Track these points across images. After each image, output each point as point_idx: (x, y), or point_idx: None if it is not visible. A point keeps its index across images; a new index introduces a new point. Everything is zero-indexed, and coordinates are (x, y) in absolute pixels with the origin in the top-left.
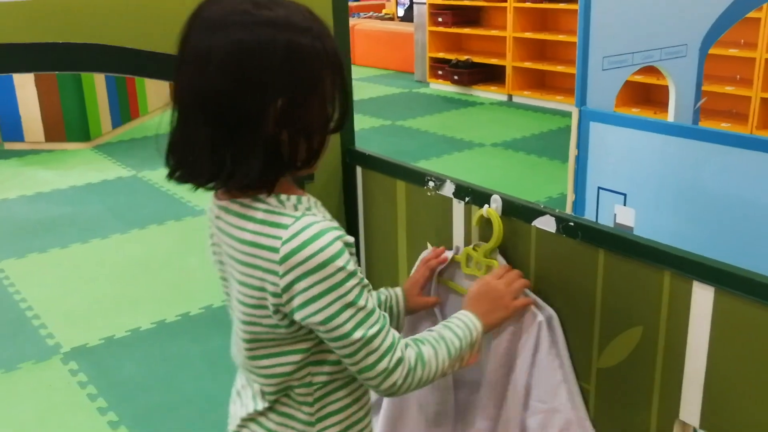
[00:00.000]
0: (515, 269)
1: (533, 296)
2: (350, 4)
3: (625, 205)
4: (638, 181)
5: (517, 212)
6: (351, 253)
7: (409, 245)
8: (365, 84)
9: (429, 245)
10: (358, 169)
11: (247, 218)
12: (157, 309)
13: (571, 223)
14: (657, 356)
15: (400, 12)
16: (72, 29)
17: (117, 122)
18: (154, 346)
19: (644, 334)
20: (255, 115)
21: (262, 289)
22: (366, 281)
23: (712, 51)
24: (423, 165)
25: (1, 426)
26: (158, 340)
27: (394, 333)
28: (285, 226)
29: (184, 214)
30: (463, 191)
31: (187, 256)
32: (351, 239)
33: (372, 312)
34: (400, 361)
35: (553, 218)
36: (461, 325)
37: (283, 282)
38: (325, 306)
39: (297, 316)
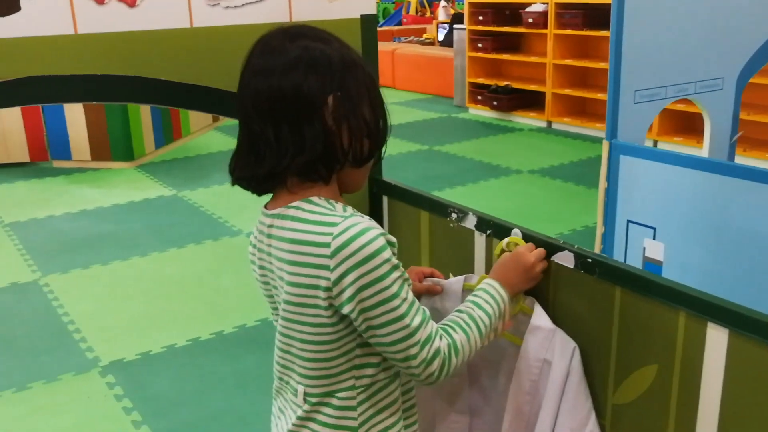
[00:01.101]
0: (542, 248)
1: (560, 331)
2: (392, 28)
3: (654, 239)
4: (668, 216)
5: (539, 246)
6: (394, 252)
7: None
8: (404, 108)
9: (451, 275)
10: (384, 199)
11: (300, 220)
12: (192, 327)
13: (589, 260)
14: (671, 395)
15: (441, 37)
16: (113, 63)
17: (160, 143)
18: (188, 363)
19: (659, 373)
20: (312, 109)
21: (314, 287)
22: (407, 276)
23: (753, 80)
24: (458, 191)
25: None
26: (192, 357)
27: (432, 324)
28: (335, 224)
29: (221, 234)
30: (484, 224)
31: (223, 276)
32: (393, 239)
33: (413, 303)
34: (437, 352)
35: (572, 254)
36: (489, 299)
37: (334, 275)
38: (372, 295)
39: (346, 309)
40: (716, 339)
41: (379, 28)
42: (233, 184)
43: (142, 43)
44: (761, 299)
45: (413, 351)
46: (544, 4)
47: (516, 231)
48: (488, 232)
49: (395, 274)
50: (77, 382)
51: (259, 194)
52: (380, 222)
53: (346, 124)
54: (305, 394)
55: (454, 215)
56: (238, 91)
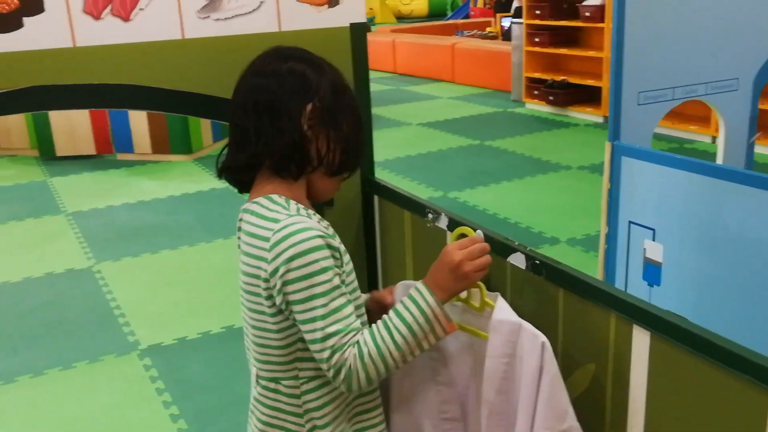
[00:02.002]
0: (483, 243)
1: (527, 325)
2: (457, 21)
3: (654, 240)
4: (666, 217)
5: (496, 248)
6: (334, 256)
7: (415, 273)
8: (460, 103)
9: None
10: (375, 199)
11: (256, 215)
12: (228, 315)
13: (537, 261)
14: (606, 393)
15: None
16: (110, 73)
17: (217, 137)
18: (221, 350)
19: (596, 371)
20: (291, 111)
21: (256, 277)
22: (343, 286)
23: None
24: (503, 186)
25: (79, 409)
26: (225, 344)
27: (351, 335)
28: (278, 221)
29: None
30: (454, 224)
31: None
32: (336, 244)
33: (336, 310)
34: (344, 362)
35: (524, 255)
36: (410, 305)
37: (270, 267)
38: (295, 291)
39: (278, 300)
40: (641, 341)
41: (444, 21)
42: (218, 176)
43: (136, 54)
44: (757, 302)
45: (324, 355)
46: None
47: (479, 232)
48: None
49: (323, 277)
50: (117, 363)
51: (240, 190)
52: (371, 221)
53: (324, 134)
54: (257, 376)
55: (430, 215)
56: (231, 98)
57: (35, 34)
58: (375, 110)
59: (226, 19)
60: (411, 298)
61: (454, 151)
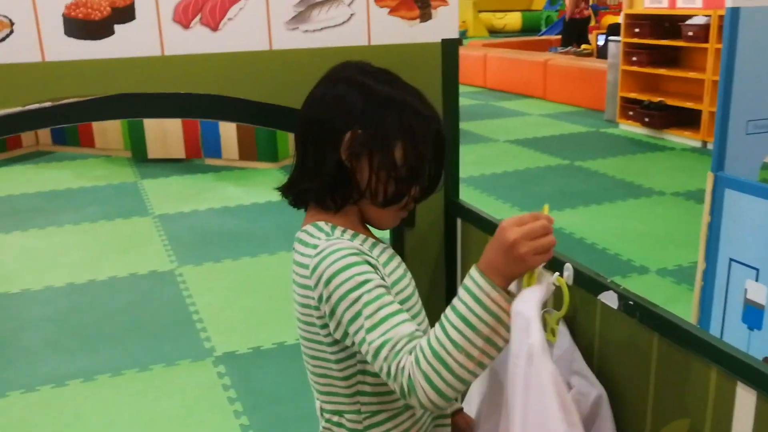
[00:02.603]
0: (545, 220)
1: (587, 371)
2: (551, 37)
3: (757, 280)
4: None
5: (586, 283)
6: (369, 271)
7: None
8: (551, 121)
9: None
10: (458, 221)
11: (302, 242)
12: None
13: (631, 302)
14: None
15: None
16: (197, 82)
17: None
18: (294, 361)
19: (692, 428)
20: (329, 140)
21: (308, 306)
22: (387, 297)
23: None
24: (592, 209)
25: (153, 412)
26: (298, 356)
27: (402, 344)
28: (316, 247)
29: None
30: None
31: None
32: (373, 261)
33: (383, 321)
34: (402, 371)
35: (616, 294)
36: (463, 295)
37: (315, 294)
38: (342, 311)
39: (332, 327)
40: (746, 400)
41: (538, 37)
42: (282, 196)
43: (223, 64)
44: None
45: (384, 370)
46: (706, 16)
47: (568, 265)
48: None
49: (364, 289)
50: (192, 368)
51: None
52: (453, 244)
53: (367, 163)
54: (321, 409)
55: None
56: None
57: (126, 42)
58: (462, 125)
59: (314, 31)
60: (464, 287)
61: (542, 170)
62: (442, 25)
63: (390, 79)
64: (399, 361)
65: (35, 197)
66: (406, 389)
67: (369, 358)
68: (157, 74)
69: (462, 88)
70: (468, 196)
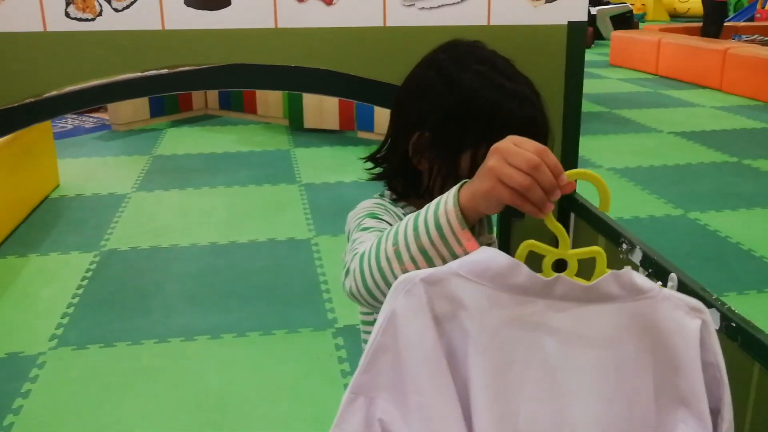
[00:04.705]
0: (545, 153)
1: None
2: (737, 24)
3: None
4: None
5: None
6: (377, 215)
7: None
8: (724, 113)
9: None
10: (572, 216)
11: None
12: None
13: (734, 324)
14: None
15: None
16: (308, 56)
17: None
18: None
19: None
20: (402, 134)
21: None
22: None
23: None
24: (756, 213)
25: (266, 375)
26: None
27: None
28: None
29: None
30: (648, 261)
31: None
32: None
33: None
34: (354, 255)
35: (719, 314)
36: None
37: None
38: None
39: None
40: None
41: (725, 23)
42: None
43: (336, 39)
44: None
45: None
46: None
47: (673, 276)
48: (650, 270)
49: (362, 214)
50: (312, 337)
51: None
52: None
53: (430, 165)
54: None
55: (624, 245)
56: None
57: (241, 13)
58: (625, 113)
59: (431, 8)
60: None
61: (705, 166)
62: (569, 7)
63: (491, 68)
64: (356, 249)
65: (196, 158)
66: (345, 269)
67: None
68: (270, 46)
69: (630, 74)
70: (620, 188)
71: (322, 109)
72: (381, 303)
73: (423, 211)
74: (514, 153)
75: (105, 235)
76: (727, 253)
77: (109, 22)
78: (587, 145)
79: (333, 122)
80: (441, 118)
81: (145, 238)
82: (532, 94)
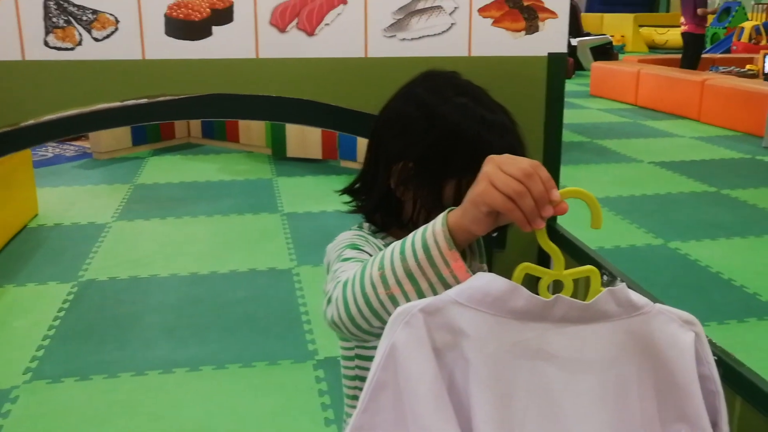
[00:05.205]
0: (537, 165)
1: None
2: (714, 56)
3: None
4: None
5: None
6: (358, 246)
7: None
8: (702, 144)
9: None
10: None
11: None
12: None
13: (715, 357)
14: None
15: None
16: (289, 87)
17: None
18: None
19: None
20: (383, 166)
21: None
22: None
23: None
24: (735, 242)
25: (246, 408)
26: None
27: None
28: None
29: None
30: None
31: None
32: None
33: (342, 268)
34: (337, 283)
35: None
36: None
37: None
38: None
39: None
40: None
41: (703, 55)
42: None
43: (317, 69)
44: None
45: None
46: None
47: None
48: None
49: (342, 246)
50: (292, 369)
51: None
52: None
53: (414, 195)
54: (345, 413)
55: (605, 277)
56: None
57: (223, 44)
58: (606, 143)
59: (412, 39)
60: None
61: (685, 196)
62: (549, 39)
63: (470, 100)
64: (339, 278)
65: (178, 187)
66: (326, 298)
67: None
68: (251, 76)
69: (610, 104)
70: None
71: (305, 138)
72: (363, 332)
73: (410, 235)
74: (509, 162)
75: (83, 265)
76: (708, 282)
77: (89, 51)
78: (568, 175)
79: (316, 151)
80: (424, 151)
81: (125, 268)
82: (510, 124)
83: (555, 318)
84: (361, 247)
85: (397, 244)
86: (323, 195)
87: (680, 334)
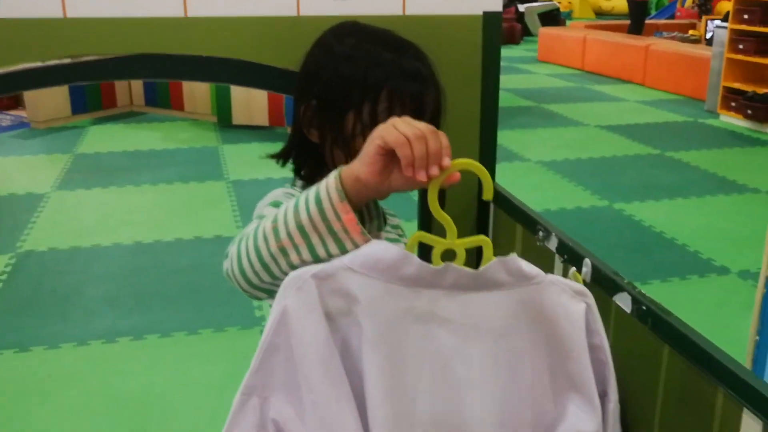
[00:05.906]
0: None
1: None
2: (658, 21)
3: None
4: None
5: (603, 282)
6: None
7: None
8: (647, 107)
9: None
10: (491, 206)
11: None
12: None
13: (644, 307)
14: None
15: (709, 35)
16: (219, 46)
17: None
18: None
19: None
20: (297, 107)
21: None
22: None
23: None
24: (678, 203)
25: (193, 376)
26: None
27: None
28: None
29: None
30: (563, 248)
31: None
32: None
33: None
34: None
35: (630, 297)
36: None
37: None
38: None
39: None
40: (751, 430)
41: (647, 21)
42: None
43: (248, 28)
44: None
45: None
46: None
47: (587, 261)
48: (565, 256)
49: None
50: (239, 336)
51: None
52: (485, 231)
53: (320, 134)
54: None
55: (540, 233)
56: None
57: (149, 1)
58: (553, 107)
59: None
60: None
61: (629, 158)
62: None
63: (369, 40)
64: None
65: (120, 156)
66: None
67: None
68: (179, 35)
69: (558, 69)
70: (547, 180)
71: (251, 105)
72: (253, 287)
73: (305, 191)
74: (404, 123)
75: (21, 236)
76: (651, 242)
77: (6, 8)
78: (515, 139)
79: (262, 118)
80: (323, 87)
81: (65, 239)
82: (419, 68)
83: (446, 285)
84: None
85: (292, 200)
86: (269, 162)
87: (572, 305)
